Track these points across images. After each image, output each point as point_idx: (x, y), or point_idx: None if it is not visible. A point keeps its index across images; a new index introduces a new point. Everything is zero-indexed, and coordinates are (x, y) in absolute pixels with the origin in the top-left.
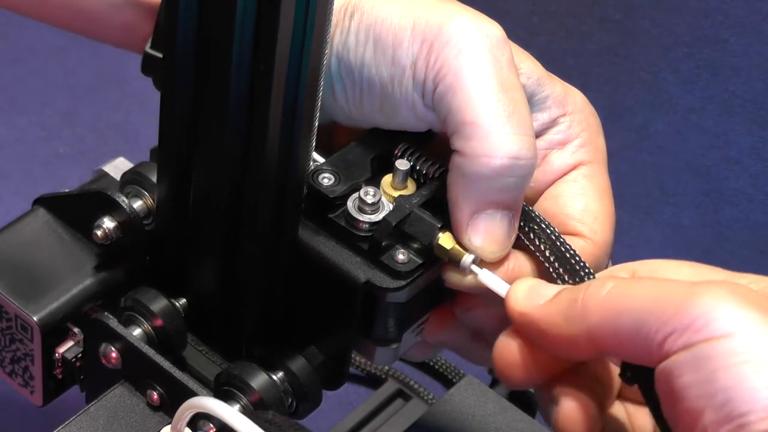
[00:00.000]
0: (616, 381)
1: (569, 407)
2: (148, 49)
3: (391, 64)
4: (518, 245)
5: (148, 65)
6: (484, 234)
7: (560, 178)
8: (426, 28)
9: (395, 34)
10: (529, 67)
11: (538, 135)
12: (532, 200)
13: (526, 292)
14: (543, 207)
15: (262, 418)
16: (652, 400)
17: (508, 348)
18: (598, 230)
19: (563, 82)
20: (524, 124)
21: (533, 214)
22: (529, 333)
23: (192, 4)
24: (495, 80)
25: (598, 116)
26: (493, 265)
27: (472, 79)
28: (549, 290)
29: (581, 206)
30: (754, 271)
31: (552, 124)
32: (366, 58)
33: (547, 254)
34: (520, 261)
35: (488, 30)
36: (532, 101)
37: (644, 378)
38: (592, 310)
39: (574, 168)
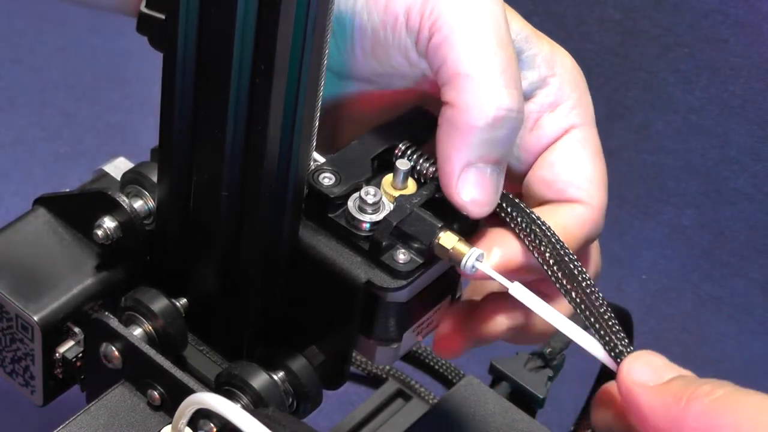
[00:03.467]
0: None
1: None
2: (143, 8)
3: (383, 11)
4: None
5: (144, 24)
6: (474, 188)
7: (553, 143)
8: None
9: None
10: (519, 24)
11: (528, 97)
12: (527, 165)
13: (643, 368)
14: (539, 175)
15: (262, 414)
16: None
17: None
18: (595, 194)
19: (550, 40)
20: (515, 78)
21: (533, 216)
22: (625, 402)
23: (193, 6)
24: (492, 34)
25: (584, 75)
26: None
27: (469, 33)
28: (665, 372)
29: (577, 172)
30: (753, 271)
31: (541, 84)
32: (357, 7)
33: (547, 257)
34: (513, 249)
35: None
36: (521, 58)
37: None
38: (693, 413)
39: (566, 132)
